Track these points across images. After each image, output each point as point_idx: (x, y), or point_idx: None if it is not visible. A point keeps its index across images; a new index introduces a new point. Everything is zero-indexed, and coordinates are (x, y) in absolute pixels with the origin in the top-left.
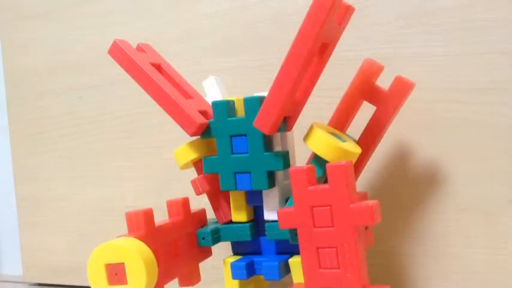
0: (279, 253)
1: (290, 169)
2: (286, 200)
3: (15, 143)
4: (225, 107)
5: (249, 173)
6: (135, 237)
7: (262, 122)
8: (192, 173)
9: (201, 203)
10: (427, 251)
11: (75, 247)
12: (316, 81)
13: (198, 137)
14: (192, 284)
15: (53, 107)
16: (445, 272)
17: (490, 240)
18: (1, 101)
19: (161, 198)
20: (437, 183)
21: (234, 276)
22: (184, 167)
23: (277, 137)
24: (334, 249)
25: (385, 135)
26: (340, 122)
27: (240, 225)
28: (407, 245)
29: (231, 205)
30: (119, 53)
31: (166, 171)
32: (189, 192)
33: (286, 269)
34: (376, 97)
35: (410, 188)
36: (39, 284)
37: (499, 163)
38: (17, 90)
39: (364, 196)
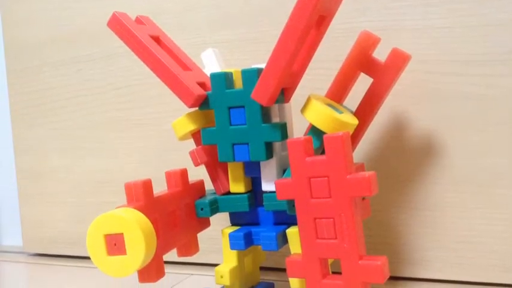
0: (276, 224)
1: (288, 140)
2: (284, 171)
3: (15, 116)
4: (223, 79)
5: (247, 144)
6: (134, 207)
7: (260, 94)
8: (191, 145)
9: (199, 174)
10: (424, 221)
11: (74, 218)
12: (314, 53)
13: (197, 108)
14: (191, 255)
15: (53, 79)
16: (442, 243)
17: (486, 211)
18: (1, 74)
19: (160, 169)
20: (434, 155)
21: (232, 247)
22: (183, 138)
23: (275, 109)
24: (331, 219)
25: (382, 107)
26: (337, 94)
27: (238, 196)
28: (404, 216)
29: (229, 176)
30: (118, 25)
31: (165, 142)
32: (187, 163)
33: (284, 240)
34: (373, 69)
35: (407, 159)
36: (39, 255)
37: (495, 135)
38: (17, 63)
39: (361, 167)
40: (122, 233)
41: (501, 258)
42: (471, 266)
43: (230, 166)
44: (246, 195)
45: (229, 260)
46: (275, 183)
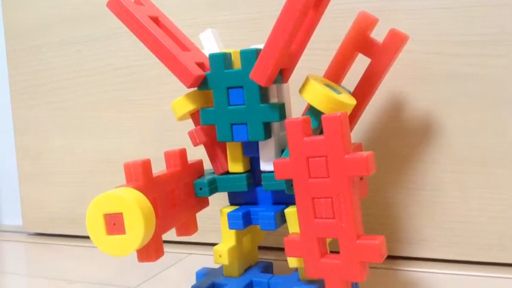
0: (274, 203)
1: (286, 121)
2: (282, 151)
3: (15, 96)
4: (221, 60)
5: (245, 124)
6: (133, 187)
7: (259, 74)
8: (190, 125)
9: (198, 154)
10: (422, 201)
11: (74, 198)
12: (312, 33)
13: (196, 88)
14: (189, 234)
15: (52, 60)
16: (440, 222)
17: (485, 191)
18: (1, 54)
19: (159, 149)
20: (432, 135)
21: (231, 226)
22: (182, 118)
23: (273, 89)
24: (330, 199)
25: (379, 87)
26: (335, 74)
27: (236, 175)
28: (402, 195)
29: (228, 156)
30: (117, 6)
31: (164, 122)
32: (186, 143)
33: (282, 219)
34: (370, 49)
35: (405, 140)
36: (39, 234)
37: (493, 114)
38: (17, 43)
39: (359, 147)
40: (121, 213)
41: (499, 238)
42: (469, 245)
43: (229, 146)
44: (244, 175)
45: (227, 239)
46: (273, 163)
